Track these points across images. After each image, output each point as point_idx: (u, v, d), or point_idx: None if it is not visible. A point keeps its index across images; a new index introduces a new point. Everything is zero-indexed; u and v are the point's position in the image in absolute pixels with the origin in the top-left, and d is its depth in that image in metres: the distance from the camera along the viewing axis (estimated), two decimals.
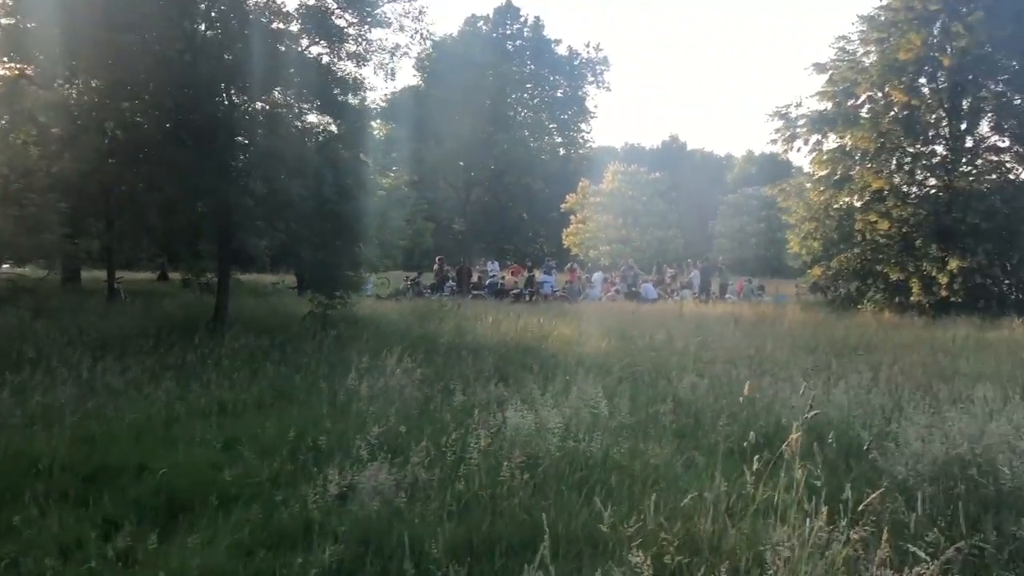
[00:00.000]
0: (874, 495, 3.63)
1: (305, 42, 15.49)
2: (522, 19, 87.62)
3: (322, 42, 15.42)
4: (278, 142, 14.65)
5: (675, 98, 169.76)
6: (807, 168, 26.61)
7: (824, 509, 3.56)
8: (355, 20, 15.81)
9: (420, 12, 16.25)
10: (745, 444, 4.87)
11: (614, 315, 19.67)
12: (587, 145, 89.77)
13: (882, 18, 24.44)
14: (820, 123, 25.55)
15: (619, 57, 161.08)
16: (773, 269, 54.46)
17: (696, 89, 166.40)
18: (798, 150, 26.32)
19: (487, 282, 33.53)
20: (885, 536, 3.33)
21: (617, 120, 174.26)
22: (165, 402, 8.04)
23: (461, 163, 73.14)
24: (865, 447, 5.53)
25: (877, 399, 7.17)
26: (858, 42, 25.39)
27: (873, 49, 24.90)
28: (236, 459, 6.22)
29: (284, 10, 15.23)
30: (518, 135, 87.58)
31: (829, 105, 25.50)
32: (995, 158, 23.70)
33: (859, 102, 25.05)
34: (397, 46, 16.62)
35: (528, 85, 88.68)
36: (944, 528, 4.05)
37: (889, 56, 23.80)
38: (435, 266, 31.38)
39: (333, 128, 16.05)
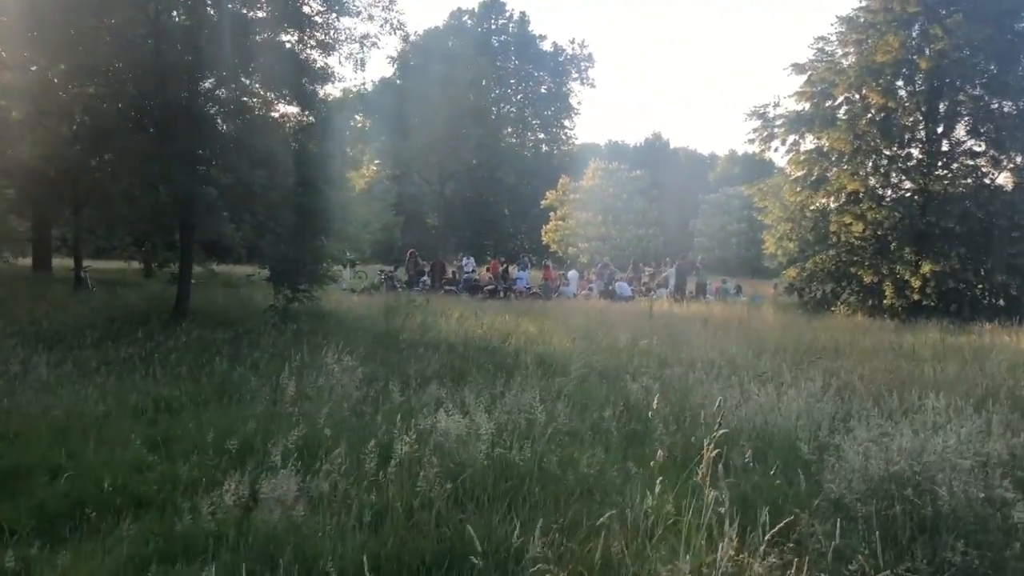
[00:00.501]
0: (787, 519, 3.39)
1: (273, 29, 15.17)
2: (507, 14, 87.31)
3: (291, 30, 15.09)
4: (243, 131, 14.35)
5: (660, 96, 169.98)
6: (785, 168, 26.45)
7: (735, 534, 3.32)
8: (323, 8, 15.51)
9: (390, 1, 15.95)
10: (662, 458, 4.62)
11: (583, 313, 19.44)
12: (571, 142, 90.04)
13: (861, 19, 24.32)
14: (797, 123, 25.40)
15: (604, 54, 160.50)
16: (754, 269, 54.45)
17: (681, 87, 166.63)
18: (775, 150, 26.21)
19: (462, 277, 33.26)
20: (795, 565, 3.10)
21: (602, 117, 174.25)
22: (97, 398, 7.72)
23: (435, 157, 73.12)
24: (806, 461, 5.31)
25: (828, 407, 6.94)
26: (836, 43, 25.27)
27: (851, 50, 24.78)
28: (159, 462, 5.95)
29: None
30: (497, 130, 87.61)
31: (807, 106, 25.35)
32: (971, 162, 23.63)
33: (836, 103, 24.92)
34: (367, 36, 16.36)
35: (512, 81, 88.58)
36: (870, 555, 3.83)
37: (867, 58, 23.68)
38: (407, 260, 30.99)
39: (302, 119, 15.72)
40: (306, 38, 15.14)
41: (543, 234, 58.89)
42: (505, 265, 34.80)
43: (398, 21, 16.23)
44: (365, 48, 16.41)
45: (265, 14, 14.94)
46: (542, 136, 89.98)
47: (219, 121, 14.85)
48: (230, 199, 14.79)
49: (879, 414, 6.56)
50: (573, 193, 57.63)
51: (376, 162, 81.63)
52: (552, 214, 58.38)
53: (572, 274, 34.34)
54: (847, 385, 8.50)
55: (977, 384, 9.36)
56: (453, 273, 33.09)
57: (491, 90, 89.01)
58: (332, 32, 15.52)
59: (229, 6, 14.27)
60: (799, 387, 7.59)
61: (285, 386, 7.49)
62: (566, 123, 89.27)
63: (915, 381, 9.22)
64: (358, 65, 16.32)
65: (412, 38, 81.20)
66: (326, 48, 15.65)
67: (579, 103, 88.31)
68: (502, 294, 30.59)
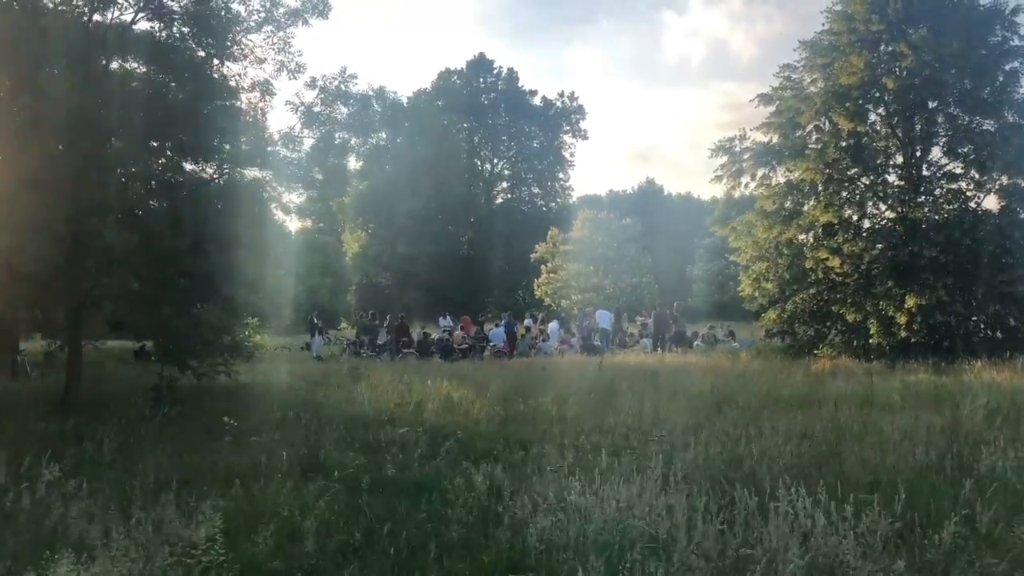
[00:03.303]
0: None
1: (151, 80, 13.87)
2: (495, 71, 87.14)
3: (166, 78, 13.76)
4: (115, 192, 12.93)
5: (654, 144, 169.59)
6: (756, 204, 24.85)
7: None
8: (212, 51, 14.21)
9: (285, 44, 14.60)
10: None
11: (525, 372, 17.68)
12: (567, 194, 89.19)
13: (825, 42, 22.96)
14: (766, 156, 23.90)
15: (597, 106, 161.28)
16: (754, 313, 52.48)
17: (674, 134, 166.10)
18: (745, 186, 24.67)
19: (435, 337, 31.66)
20: None
21: (603, 169, 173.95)
22: None
23: (427, 218, 72.50)
24: None
25: (674, 499, 5.13)
26: (803, 69, 23.89)
27: (818, 76, 23.39)
28: None
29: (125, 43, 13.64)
30: (491, 186, 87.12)
31: (776, 137, 23.88)
32: (953, 186, 21.95)
33: (806, 132, 23.44)
34: (267, 82, 15.02)
35: (504, 137, 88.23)
36: None
37: (833, 82, 22.27)
38: (358, 319, 29.37)
39: (192, 175, 14.30)
40: (188, 88, 13.77)
41: (535, 287, 57.39)
42: (481, 323, 33.11)
43: (296, 64, 14.86)
44: (267, 97, 15.06)
45: (139, 64, 13.64)
46: (537, 191, 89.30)
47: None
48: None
49: (721, 517, 4.74)
50: (564, 245, 56.22)
51: (370, 227, 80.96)
52: (543, 267, 56.95)
53: (552, 327, 32.51)
54: (738, 460, 6.70)
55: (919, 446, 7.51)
56: (424, 335, 31.48)
57: (483, 147, 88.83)
58: (221, 80, 14.18)
59: (97, 56, 12.95)
60: (648, 473, 5.76)
61: None
62: (560, 176, 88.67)
63: (835, 454, 7.32)
64: (260, 115, 14.76)
65: (403, 101, 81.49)
66: (218, 97, 14.31)
67: (572, 155, 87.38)
68: (480, 354, 28.98)
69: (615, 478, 5.45)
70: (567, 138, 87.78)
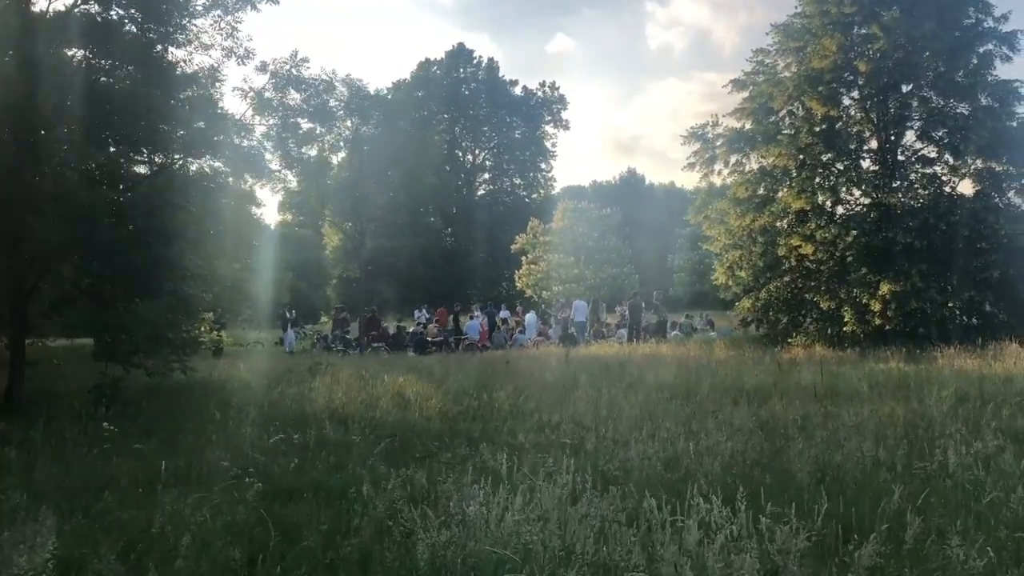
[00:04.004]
0: None
1: (89, 67, 13.29)
2: (476, 61, 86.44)
3: (105, 64, 13.19)
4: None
5: (638, 135, 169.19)
6: (729, 191, 24.43)
7: None
8: (155, 37, 13.64)
9: (233, 29, 14.03)
10: None
11: (489, 366, 17.22)
12: (549, 185, 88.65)
13: (797, 25, 22.53)
14: (739, 142, 23.48)
15: (577, 97, 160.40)
16: (729, 302, 52.26)
17: (658, 125, 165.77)
18: (718, 173, 24.24)
19: (409, 330, 31.20)
20: None
21: (586, 160, 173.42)
22: None
23: (406, 210, 71.95)
24: None
25: (594, 506, 4.67)
26: (775, 54, 23.46)
27: (791, 60, 22.98)
28: None
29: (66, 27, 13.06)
30: (471, 178, 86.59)
31: (749, 123, 23.46)
32: (927, 170, 21.58)
33: (779, 117, 23.03)
34: (214, 69, 14.45)
35: (485, 128, 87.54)
36: None
37: (805, 65, 21.87)
38: (334, 315, 28.90)
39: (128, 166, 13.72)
40: (127, 70, 13.21)
41: (516, 279, 56.98)
42: (454, 314, 32.61)
43: (245, 49, 14.28)
44: (214, 85, 14.51)
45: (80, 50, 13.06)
46: (519, 181, 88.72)
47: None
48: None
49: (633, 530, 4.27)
50: (544, 236, 55.78)
51: (349, 220, 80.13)
52: (523, 258, 56.50)
53: (529, 318, 31.98)
54: (677, 459, 6.24)
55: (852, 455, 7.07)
56: (397, 328, 31.00)
57: (464, 138, 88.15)
58: (166, 67, 13.62)
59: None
60: (616, 458, 5.31)
61: None
62: (543, 167, 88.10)
63: (781, 451, 6.87)
64: (208, 102, 14.20)
65: (384, 92, 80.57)
66: (163, 85, 13.74)
67: (554, 146, 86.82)
68: (454, 346, 28.54)
69: (540, 483, 4.96)
70: (549, 128, 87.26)
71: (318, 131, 27.14)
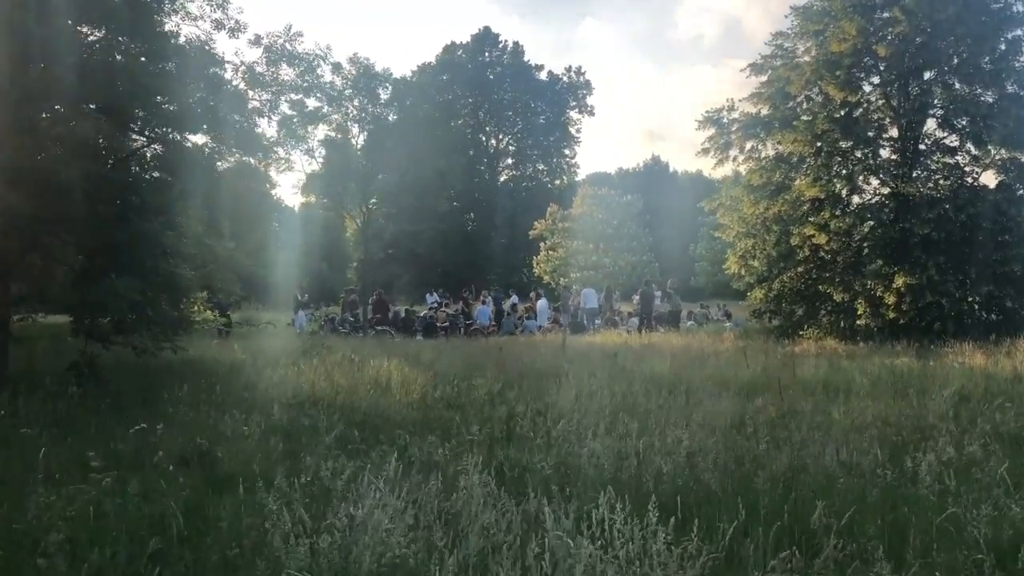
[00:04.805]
0: None
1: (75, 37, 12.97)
2: (501, 45, 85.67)
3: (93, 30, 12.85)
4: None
5: (667, 122, 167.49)
6: (743, 178, 23.79)
7: None
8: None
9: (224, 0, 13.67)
10: None
11: (483, 351, 16.81)
12: (572, 171, 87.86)
13: (817, 8, 21.78)
14: (754, 127, 22.80)
15: (604, 82, 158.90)
16: (742, 292, 51.53)
17: (688, 112, 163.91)
18: (733, 159, 23.58)
19: (420, 314, 30.88)
20: None
21: (614, 147, 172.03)
22: None
23: (430, 193, 71.72)
24: None
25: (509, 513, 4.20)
26: (794, 37, 22.72)
27: (811, 44, 22.22)
28: None
29: None
30: (495, 162, 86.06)
31: (765, 108, 22.76)
32: (949, 160, 20.79)
33: (797, 102, 22.31)
34: (205, 42, 14.12)
35: (509, 113, 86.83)
36: None
37: (825, 49, 21.13)
38: (343, 297, 28.60)
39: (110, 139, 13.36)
40: (117, 40, 12.87)
41: (535, 265, 56.50)
42: (463, 299, 32.22)
43: (236, 22, 13.92)
44: (207, 55, 14.16)
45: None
46: (542, 167, 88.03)
47: None
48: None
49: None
50: (563, 222, 55.24)
51: (372, 201, 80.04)
52: (541, 244, 56.01)
53: (541, 304, 31.47)
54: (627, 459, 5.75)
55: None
56: (405, 312, 30.70)
57: (488, 123, 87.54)
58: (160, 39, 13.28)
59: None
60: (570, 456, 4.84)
61: None
62: (566, 152, 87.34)
63: (743, 454, 6.33)
64: (209, 85, 13.88)
65: (408, 76, 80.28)
66: (152, 58, 13.41)
67: (578, 132, 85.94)
68: (462, 331, 28.20)
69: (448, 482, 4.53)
70: (573, 114, 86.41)
71: (324, 110, 26.86)
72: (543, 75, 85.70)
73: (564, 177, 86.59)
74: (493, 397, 10.19)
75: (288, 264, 49.30)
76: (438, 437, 7.11)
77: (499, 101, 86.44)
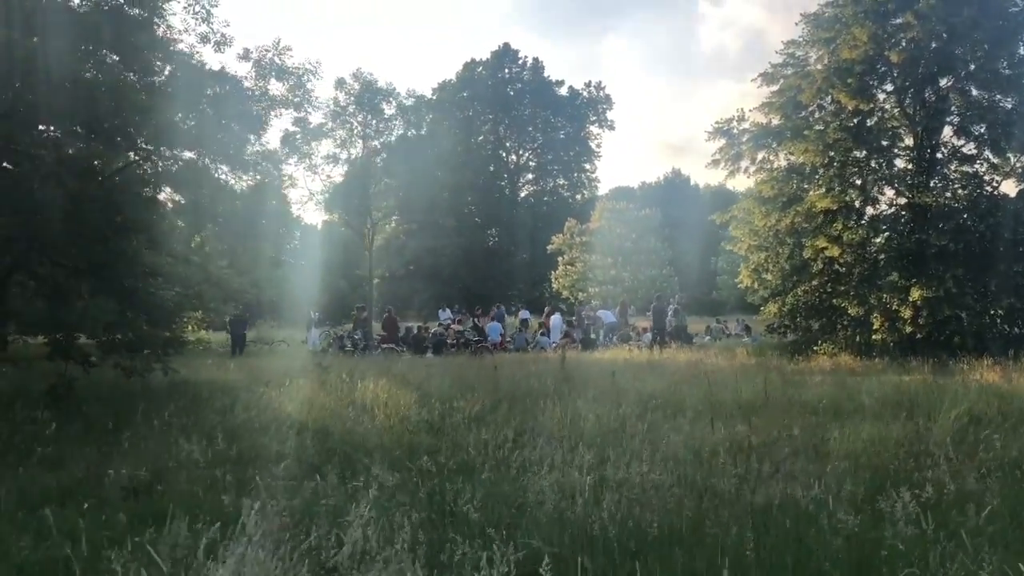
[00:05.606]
0: None
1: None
2: (521, 61, 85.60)
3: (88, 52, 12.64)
4: None
5: (690, 137, 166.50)
6: (754, 190, 23.16)
7: None
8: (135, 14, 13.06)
9: (208, 12, 13.41)
10: None
11: (483, 369, 16.29)
12: (593, 185, 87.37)
13: (828, 15, 21.20)
14: (765, 138, 22.21)
15: (639, 99, 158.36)
16: (756, 307, 50.65)
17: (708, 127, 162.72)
18: (745, 170, 22.99)
19: (432, 331, 30.48)
20: None
21: (636, 162, 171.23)
22: None
23: (450, 210, 71.69)
24: None
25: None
26: (806, 45, 22.14)
27: (823, 51, 21.63)
28: None
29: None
30: (515, 178, 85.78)
31: (776, 118, 22.17)
32: (967, 169, 20.05)
33: (809, 112, 21.70)
34: (190, 54, 13.86)
35: (529, 128, 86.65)
36: None
37: (836, 57, 20.54)
38: (355, 315, 28.28)
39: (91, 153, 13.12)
40: (100, 56, 12.65)
41: (553, 280, 56.01)
42: (474, 316, 31.81)
43: (223, 35, 13.65)
44: (194, 68, 13.90)
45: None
46: (563, 182, 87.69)
47: None
48: None
49: None
50: (581, 236, 54.75)
51: (394, 217, 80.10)
52: (559, 259, 55.54)
53: (554, 320, 30.92)
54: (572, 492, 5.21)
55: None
56: (418, 330, 30.31)
57: (508, 138, 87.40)
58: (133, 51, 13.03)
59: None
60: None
61: None
62: (587, 167, 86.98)
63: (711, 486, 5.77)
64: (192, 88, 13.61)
65: (428, 94, 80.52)
66: (135, 71, 13.18)
67: (599, 146, 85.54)
68: (472, 349, 27.76)
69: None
70: (594, 128, 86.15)
71: (328, 126, 26.62)
72: (563, 90, 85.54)
73: (585, 192, 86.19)
74: (471, 421, 9.69)
75: (305, 282, 49.31)
76: (392, 465, 6.63)
77: (519, 117, 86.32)
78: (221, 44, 13.76)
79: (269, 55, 14.40)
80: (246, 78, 14.40)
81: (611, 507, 4.80)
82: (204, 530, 4.11)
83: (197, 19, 13.51)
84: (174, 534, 4.20)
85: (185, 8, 13.45)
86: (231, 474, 7.15)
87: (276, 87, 14.64)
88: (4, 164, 12.38)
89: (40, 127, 13.11)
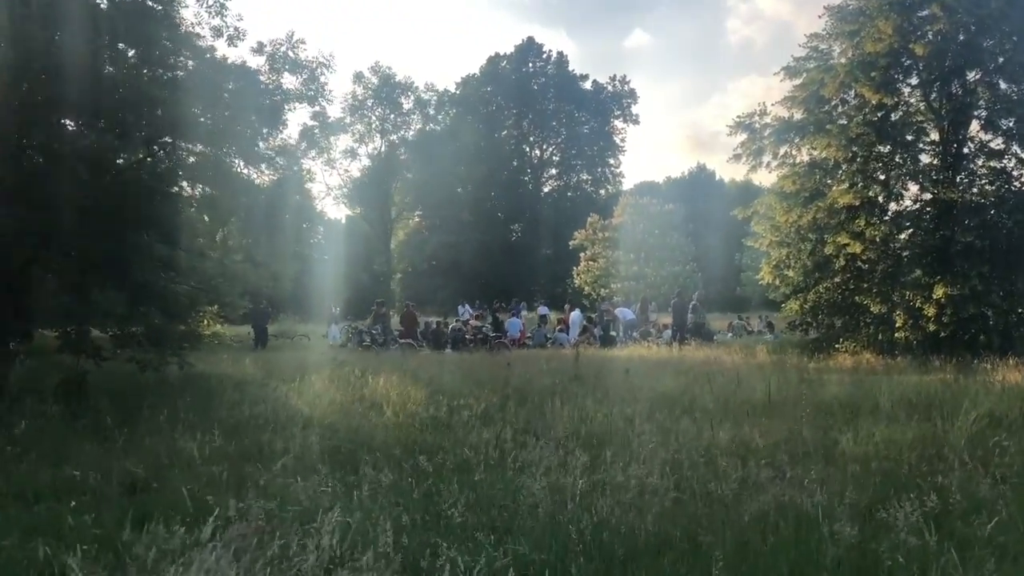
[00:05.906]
0: None
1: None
2: (545, 56, 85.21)
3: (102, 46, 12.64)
4: None
5: (717, 131, 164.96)
6: (776, 185, 22.79)
7: None
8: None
9: (221, 5, 13.37)
10: None
11: (498, 365, 16.15)
12: (617, 180, 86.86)
13: (851, 7, 20.81)
14: (787, 132, 21.87)
15: (665, 93, 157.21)
16: (778, 304, 50.08)
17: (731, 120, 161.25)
18: (766, 166, 22.65)
19: (451, 326, 30.40)
20: None
21: (663, 157, 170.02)
22: None
23: (472, 205, 71.71)
24: None
25: None
26: (829, 38, 21.75)
27: (847, 44, 21.23)
28: None
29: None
30: (539, 173, 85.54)
31: (798, 112, 21.82)
32: (995, 164, 19.61)
33: (832, 106, 21.34)
34: (209, 48, 13.84)
35: (553, 123, 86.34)
36: None
37: (859, 50, 20.15)
38: (375, 310, 28.24)
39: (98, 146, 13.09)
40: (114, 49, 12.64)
41: (575, 275, 55.77)
42: (493, 311, 31.69)
43: (236, 29, 13.60)
44: (215, 61, 13.87)
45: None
46: (586, 177, 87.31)
47: None
48: None
49: None
50: (603, 232, 54.44)
51: (418, 213, 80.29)
52: (582, 255, 55.28)
53: (574, 316, 30.68)
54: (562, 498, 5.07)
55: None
56: (437, 325, 30.23)
57: (532, 133, 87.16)
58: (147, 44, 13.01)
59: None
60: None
61: None
62: (611, 162, 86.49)
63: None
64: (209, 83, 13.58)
65: (452, 90, 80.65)
66: (149, 64, 13.16)
67: (623, 141, 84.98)
68: (489, 345, 27.66)
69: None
70: (618, 123, 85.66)
71: (347, 120, 26.53)
72: (587, 85, 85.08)
73: (609, 186, 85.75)
74: (477, 419, 9.58)
75: (328, 276, 49.47)
76: (390, 464, 6.53)
77: (543, 111, 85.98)
78: (234, 38, 13.73)
79: (283, 48, 14.35)
80: (260, 71, 14.33)
81: (604, 512, 4.65)
82: (182, 532, 4.02)
83: (211, 13, 13.48)
84: (152, 535, 4.11)
85: (198, 1, 13.42)
86: (229, 472, 7.08)
87: (290, 80, 14.53)
88: (19, 157, 12.37)
89: (56, 120, 13.16)
